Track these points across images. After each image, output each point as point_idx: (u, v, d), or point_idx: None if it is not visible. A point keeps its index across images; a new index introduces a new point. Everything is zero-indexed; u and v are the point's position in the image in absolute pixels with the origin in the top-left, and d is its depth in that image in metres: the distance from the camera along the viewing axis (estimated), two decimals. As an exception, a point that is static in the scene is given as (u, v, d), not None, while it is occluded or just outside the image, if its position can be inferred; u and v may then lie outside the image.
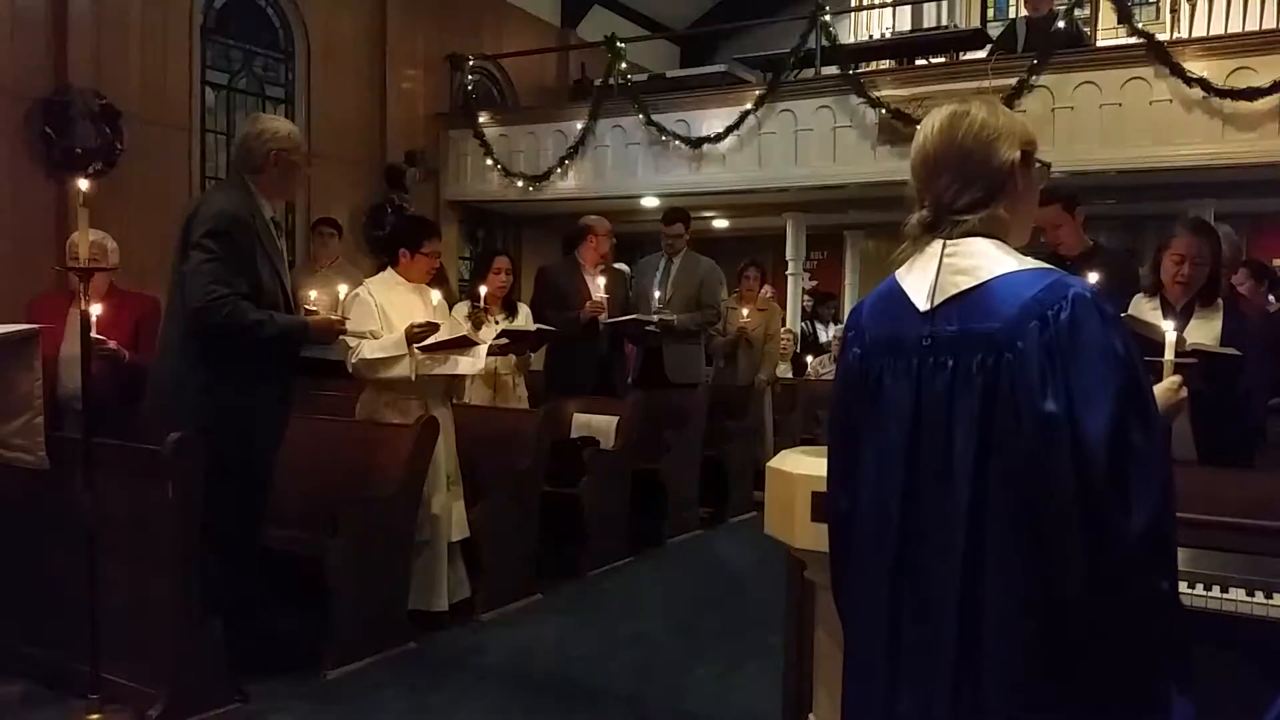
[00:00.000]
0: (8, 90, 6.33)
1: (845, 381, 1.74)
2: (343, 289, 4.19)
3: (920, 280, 1.63)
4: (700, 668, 4.08)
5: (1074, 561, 1.42)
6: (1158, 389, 1.89)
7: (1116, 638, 1.43)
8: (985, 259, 1.58)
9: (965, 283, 1.57)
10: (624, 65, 8.82)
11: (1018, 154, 1.61)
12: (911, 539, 1.58)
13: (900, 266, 1.69)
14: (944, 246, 1.61)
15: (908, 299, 1.64)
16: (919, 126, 1.68)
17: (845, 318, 10.70)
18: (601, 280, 5.97)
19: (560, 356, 6.19)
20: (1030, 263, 1.57)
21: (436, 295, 4.47)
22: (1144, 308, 3.54)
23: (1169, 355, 2.14)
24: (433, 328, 4.22)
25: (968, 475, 1.51)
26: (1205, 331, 3.39)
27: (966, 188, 1.60)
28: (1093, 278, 2.84)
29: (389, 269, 4.53)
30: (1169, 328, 2.27)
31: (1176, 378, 2.08)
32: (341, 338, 4.31)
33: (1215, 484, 2.63)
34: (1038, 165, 1.68)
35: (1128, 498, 1.41)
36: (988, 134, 1.60)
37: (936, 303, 1.59)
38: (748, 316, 7.32)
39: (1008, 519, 1.48)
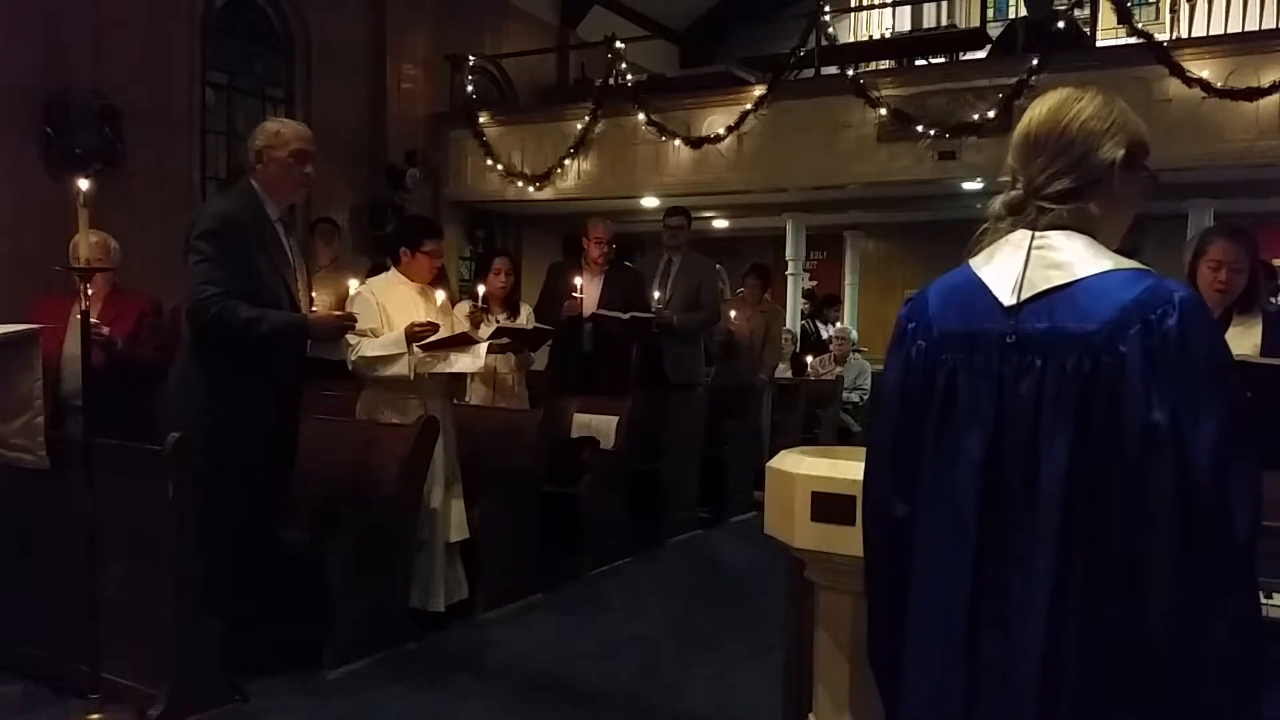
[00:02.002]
0: (8, 90, 6.32)
1: (906, 377, 1.60)
2: (354, 283, 4.21)
3: (1004, 272, 1.51)
4: (700, 668, 4.08)
5: (1165, 579, 1.36)
6: None
7: (1206, 655, 1.37)
8: (1079, 254, 1.47)
9: (1058, 278, 1.46)
10: (624, 65, 8.82)
11: (1121, 153, 1.51)
12: (993, 552, 1.48)
13: (977, 255, 1.57)
14: (1032, 238, 1.51)
15: (988, 292, 1.51)
16: (1033, 104, 1.57)
17: (846, 318, 10.73)
18: (596, 279, 5.98)
19: (552, 356, 6.24)
20: (1126, 262, 1.47)
21: (441, 295, 4.47)
22: None
23: None
24: (433, 327, 4.22)
25: (1059, 482, 1.41)
26: (1245, 340, 3.26)
27: (1060, 175, 1.50)
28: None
29: (391, 268, 4.54)
30: None
31: None
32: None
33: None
34: (1144, 173, 1.57)
35: (1229, 515, 1.35)
36: (1095, 125, 1.51)
37: (1024, 298, 1.48)
38: (735, 320, 7.33)
39: (1097, 532, 1.40)
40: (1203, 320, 1.40)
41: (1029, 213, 1.53)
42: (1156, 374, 1.37)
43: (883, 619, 1.68)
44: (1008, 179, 1.58)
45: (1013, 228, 1.54)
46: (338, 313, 3.78)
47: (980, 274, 1.54)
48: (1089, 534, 1.40)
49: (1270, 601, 2.30)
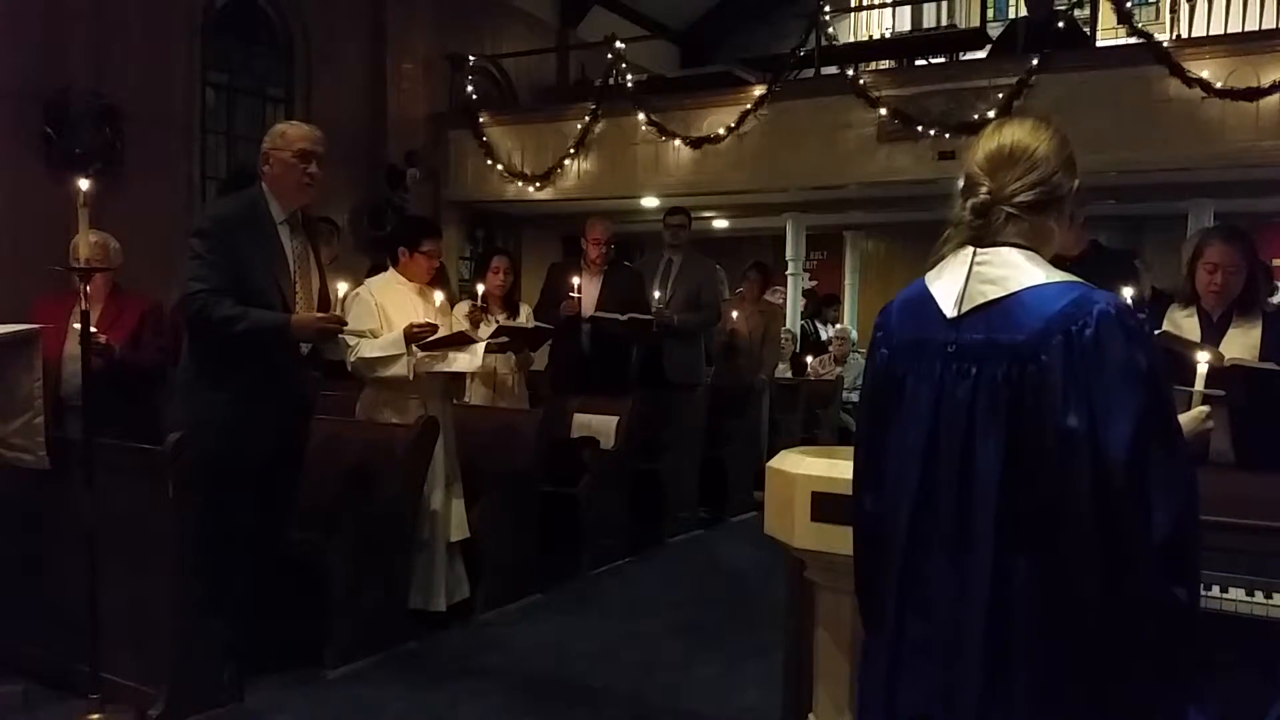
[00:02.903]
0: (8, 90, 6.32)
1: (874, 383, 1.76)
2: (342, 287, 4.18)
3: (949, 287, 1.65)
4: (700, 668, 4.09)
5: (1091, 572, 1.45)
6: (1183, 418, 1.91)
7: (1133, 647, 1.46)
8: (1015, 269, 1.60)
9: (993, 292, 1.59)
10: (624, 65, 8.82)
11: (1076, 184, 1.68)
12: (920, 544, 1.61)
13: (931, 269, 1.71)
14: (975, 255, 1.64)
15: (935, 304, 1.66)
16: (994, 127, 1.72)
17: (844, 319, 10.74)
18: (595, 279, 5.99)
19: (551, 356, 6.25)
20: (1059, 275, 1.59)
21: (440, 296, 4.47)
22: (1179, 319, 3.45)
23: (1198, 386, 2.16)
24: (431, 328, 4.22)
25: (991, 484, 1.53)
26: (1243, 342, 3.30)
27: (1030, 188, 1.64)
28: (1127, 292, 2.83)
29: (390, 269, 4.54)
30: (1203, 359, 2.28)
31: (1204, 408, 2.13)
32: (341, 337, 4.31)
33: (1239, 485, 2.63)
34: (1078, 210, 1.76)
35: (1147, 512, 1.43)
36: (1062, 153, 1.66)
37: (963, 310, 1.61)
38: (737, 319, 7.34)
39: (1030, 528, 1.51)
40: (1121, 329, 1.50)
41: (994, 215, 1.64)
42: (1075, 381, 1.48)
43: (862, 605, 1.81)
44: (966, 185, 1.70)
45: (964, 240, 1.67)
46: (320, 314, 3.70)
47: (931, 288, 1.68)
48: (1022, 529, 1.52)
49: (1271, 602, 2.31)
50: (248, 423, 3.54)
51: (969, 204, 1.66)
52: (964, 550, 1.56)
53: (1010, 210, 1.64)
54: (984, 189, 1.66)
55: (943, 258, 1.69)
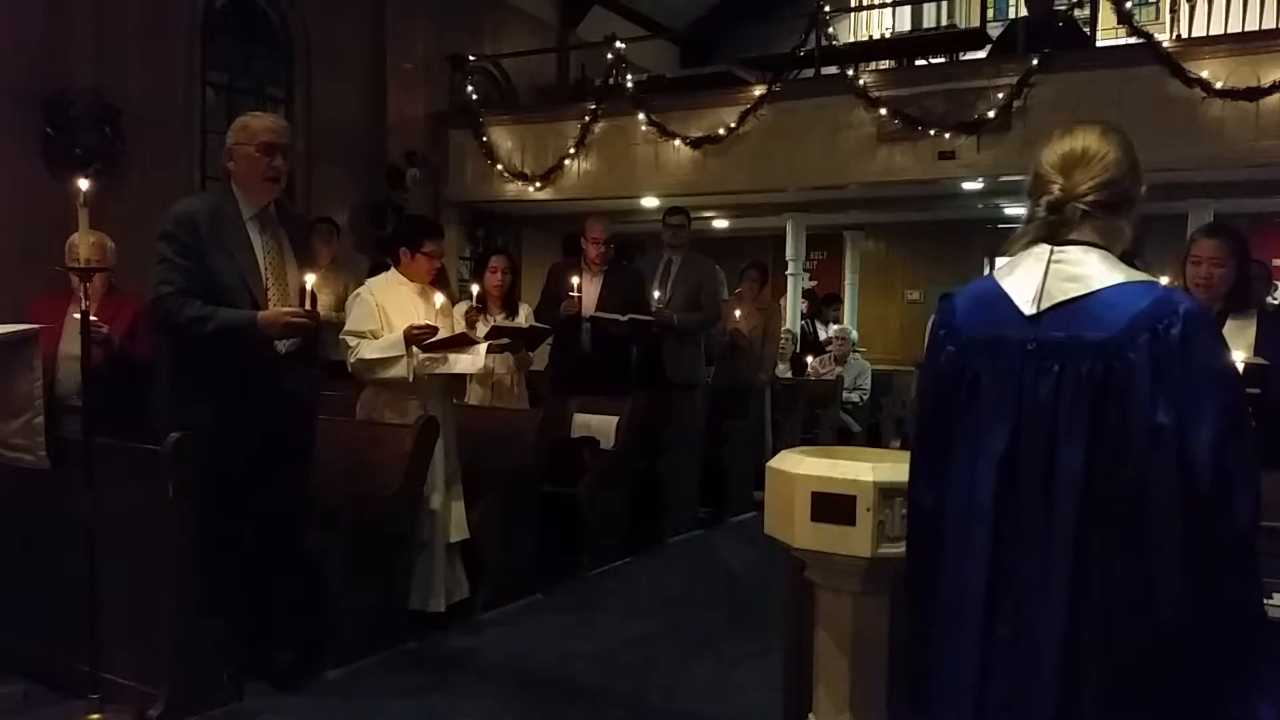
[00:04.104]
0: (8, 90, 6.32)
1: (938, 379, 1.76)
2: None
3: (1025, 284, 1.67)
4: (700, 668, 4.09)
5: (1173, 571, 1.49)
6: None
7: (1211, 646, 1.49)
8: (1093, 268, 1.63)
9: (1074, 290, 1.62)
10: (624, 65, 8.82)
11: (1143, 189, 1.74)
12: (1006, 543, 1.62)
13: (1001, 267, 1.74)
14: (1051, 253, 1.67)
15: (1010, 302, 1.67)
16: (1062, 132, 1.77)
17: (846, 318, 10.73)
18: (596, 279, 5.98)
19: (551, 356, 6.26)
20: (1137, 275, 1.63)
21: (441, 298, 4.46)
22: None
23: None
24: (431, 330, 4.21)
25: (1075, 481, 1.55)
26: (1239, 338, 3.27)
27: (1102, 188, 1.68)
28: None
29: (391, 269, 4.53)
30: None
31: None
32: (341, 337, 4.31)
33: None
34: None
35: (1229, 507, 1.48)
36: (1133, 159, 1.72)
37: (1043, 308, 1.63)
38: (740, 318, 7.33)
39: (1112, 524, 1.53)
40: (1205, 329, 1.55)
41: (1070, 212, 1.68)
42: (1162, 379, 1.50)
43: (917, 601, 1.81)
44: (1035, 184, 1.74)
45: (1051, 228, 1.70)
46: (288, 309, 3.54)
47: (1003, 284, 1.71)
48: (1104, 525, 1.54)
49: (1270, 601, 2.31)
50: (228, 424, 3.47)
51: (1042, 200, 1.70)
52: (1047, 548, 1.57)
53: (1083, 208, 1.67)
54: (1056, 186, 1.69)
55: (1013, 255, 1.72)
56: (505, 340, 5.00)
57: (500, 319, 5.38)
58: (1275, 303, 5.88)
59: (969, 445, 1.67)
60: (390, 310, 4.33)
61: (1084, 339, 1.57)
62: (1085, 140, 1.71)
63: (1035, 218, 1.70)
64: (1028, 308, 1.64)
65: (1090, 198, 1.67)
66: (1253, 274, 5.10)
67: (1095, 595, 1.53)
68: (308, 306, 3.51)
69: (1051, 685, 1.56)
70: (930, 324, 1.83)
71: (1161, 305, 1.55)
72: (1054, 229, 1.68)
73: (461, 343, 4.35)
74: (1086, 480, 1.54)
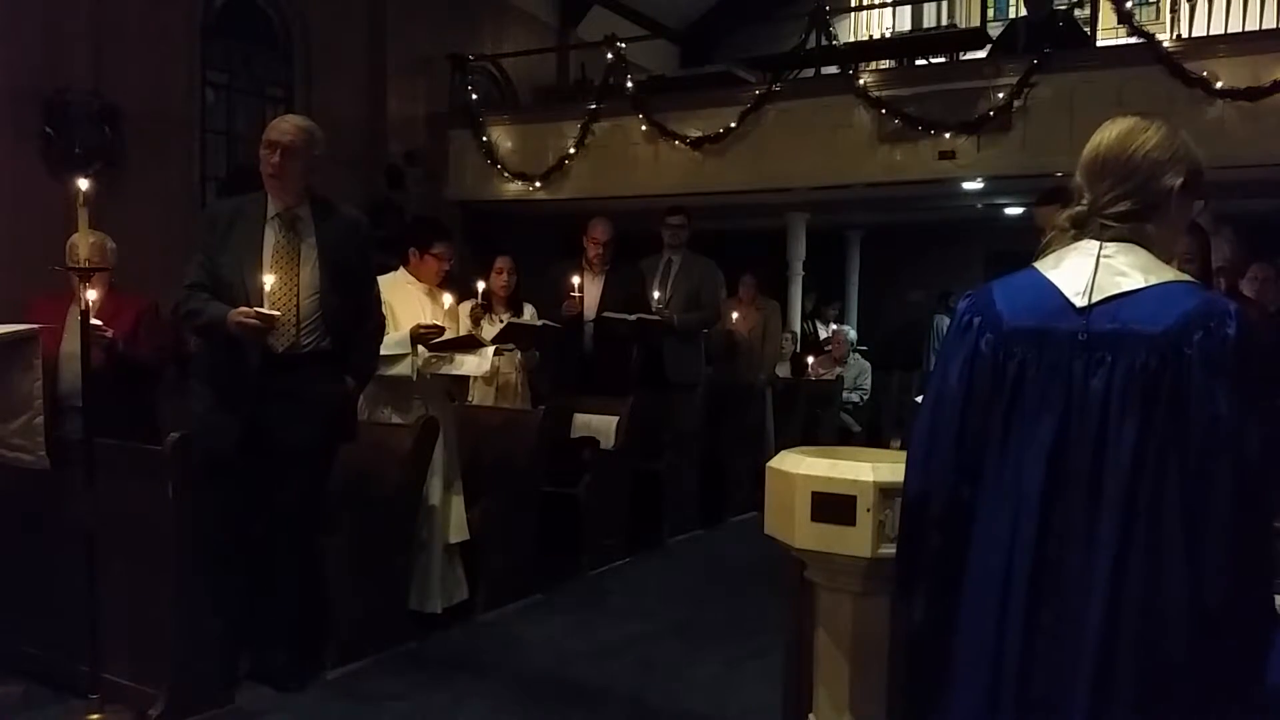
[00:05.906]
0: (8, 90, 6.32)
1: (974, 371, 1.73)
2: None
3: (1074, 275, 1.67)
4: (700, 668, 4.08)
5: (1224, 557, 1.51)
6: None
7: (1252, 648, 1.54)
8: (1142, 266, 1.64)
9: (1127, 284, 1.63)
10: (624, 65, 8.82)
11: (1180, 181, 1.68)
12: (1058, 530, 1.62)
13: (1044, 260, 1.74)
14: (1101, 247, 1.67)
15: (1058, 293, 1.67)
16: (1102, 127, 1.74)
17: (844, 318, 10.73)
18: (597, 280, 5.98)
19: (552, 355, 6.24)
20: (1182, 275, 1.65)
21: (449, 299, 4.47)
22: None
23: None
24: (439, 330, 4.21)
25: (1127, 466, 1.56)
26: None
27: (1124, 198, 1.68)
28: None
29: (400, 269, 4.54)
30: None
31: None
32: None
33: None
34: (1199, 199, 1.75)
35: (1270, 494, 1.53)
36: (1158, 155, 1.67)
37: (1094, 300, 1.64)
38: (739, 318, 7.33)
39: (1161, 508, 1.55)
40: (1252, 331, 1.58)
41: (1092, 227, 1.69)
42: (1215, 374, 1.53)
43: (932, 596, 1.78)
44: (1074, 191, 1.75)
45: (1077, 238, 1.71)
46: (243, 309, 3.46)
47: (1049, 276, 1.71)
48: (1151, 511, 1.55)
49: None
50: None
51: (1066, 214, 1.73)
52: (1091, 542, 1.58)
53: (1104, 222, 1.68)
54: (1084, 200, 1.71)
55: (1050, 254, 1.73)
56: (509, 344, 5.00)
57: (506, 318, 5.38)
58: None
59: (1013, 436, 1.66)
60: (398, 309, 4.33)
61: (1137, 332, 1.58)
62: (1107, 143, 1.70)
63: (1063, 230, 1.73)
64: (1078, 299, 1.64)
65: (1108, 211, 1.68)
66: (1263, 275, 5.12)
67: (1137, 589, 1.55)
68: (265, 308, 3.44)
69: (1089, 676, 1.57)
70: (958, 312, 1.79)
71: (1212, 304, 1.58)
72: (1078, 240, 1.70)
73: (468, 344, 4.36)
74: (1136, 467, 1.55)
